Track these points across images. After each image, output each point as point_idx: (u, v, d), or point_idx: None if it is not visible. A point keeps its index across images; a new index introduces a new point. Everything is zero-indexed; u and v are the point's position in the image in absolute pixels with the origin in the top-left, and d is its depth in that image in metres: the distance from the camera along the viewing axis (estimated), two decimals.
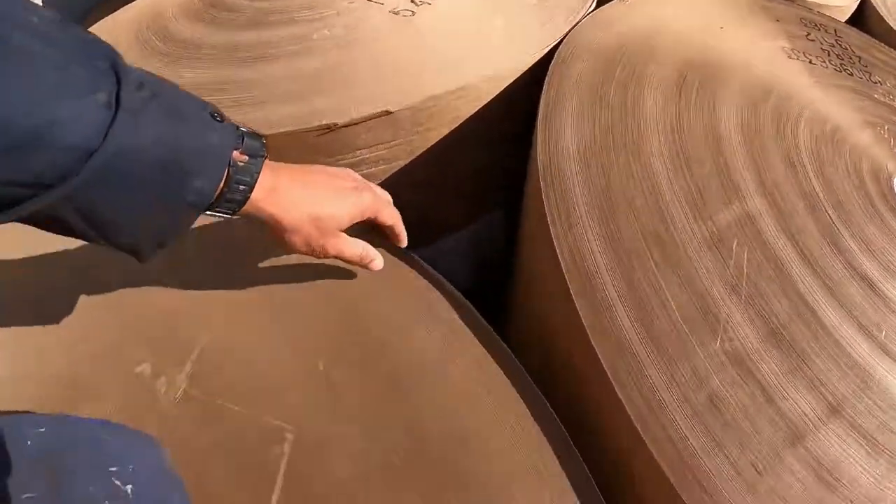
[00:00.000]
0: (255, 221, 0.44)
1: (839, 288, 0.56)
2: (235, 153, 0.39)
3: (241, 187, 0.40)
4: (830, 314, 0.56)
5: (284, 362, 0.49)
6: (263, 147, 0.42)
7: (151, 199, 0.35)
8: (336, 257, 0.48)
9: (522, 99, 0.65)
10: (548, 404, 0.48)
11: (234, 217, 0.42)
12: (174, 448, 0.43)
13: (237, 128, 0.41)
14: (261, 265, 0.55)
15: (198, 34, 0.70)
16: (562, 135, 0.60)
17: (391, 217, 0.52)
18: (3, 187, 0.31)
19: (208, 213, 0.40)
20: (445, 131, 0.63)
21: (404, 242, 0.55)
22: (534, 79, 0.66)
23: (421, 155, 0.63)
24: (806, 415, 0.50)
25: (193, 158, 0.36)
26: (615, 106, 0.64)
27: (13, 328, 0.52)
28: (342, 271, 0.54)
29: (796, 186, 0.66)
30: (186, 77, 0.64)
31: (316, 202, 0.45)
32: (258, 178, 0.41)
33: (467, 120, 0.64)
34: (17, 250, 0.56)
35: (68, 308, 0.52)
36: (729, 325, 0.54)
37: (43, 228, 0.35)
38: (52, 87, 0.31)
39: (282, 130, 0.58)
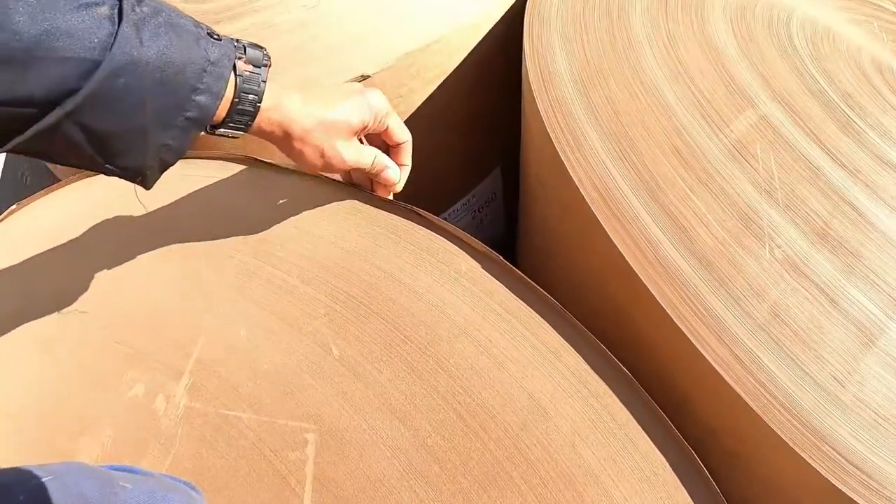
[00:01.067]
0: (265, 138, 0.43)
1: (873, 180, 0.52)
2: (240, 63, 0.39)
3: (251, 97, 0.39)
4: (871, 207, 0.52)
5: (292, 353, 0.42)
6: (266, 56, 0.41)
7: (155, 114, 0.35)
8: (353, 168, 0.46)
9: (502, 44, 0.61)
10: (610, 354, 0.42)
11: (244, 134, 0.41)
12: (185, 473, 0.37)
13: (236, 42, 0.40)
14: (247, 247, 0.49)
15: None
16: (555, 69, 0.56)
17: (404, 131, 0.49)
18: (8, 108, 0.30)
19: (221, 130, 0.39)
20: (431, 90, 0.58)
21: (406, 171, 0.50)
22: (511, 22, 0.62)
23: (409, 119, 0.59)
24: (873, 314, 0.46)
25: (195, 73, 0.36)
26: (602, 32, 0.60)
27: None
28: (341, 235, 0.47)
29: (803, 86, 0.63)
30: None
31: (324, 106, 0.43)
32: (265, 86, 0.40)
33: (450, 75, 0.59)
34: None
35: (48, 326, 0.46)
36: (773, 231, 0.50)
37: (49, 158, 0.36)
38: (54, 2, 0.31)
39: None
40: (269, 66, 0.41)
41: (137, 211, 0.51)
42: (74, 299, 0.47)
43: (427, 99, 0.59)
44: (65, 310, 0.46)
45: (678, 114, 0.55)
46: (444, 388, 0.39)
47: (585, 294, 0.52)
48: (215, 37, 0.39)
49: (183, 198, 0.52)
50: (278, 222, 0.49)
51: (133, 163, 0.36)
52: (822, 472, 0.40)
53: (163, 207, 0.51)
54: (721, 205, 0.50)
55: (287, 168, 0.52)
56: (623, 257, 0.46)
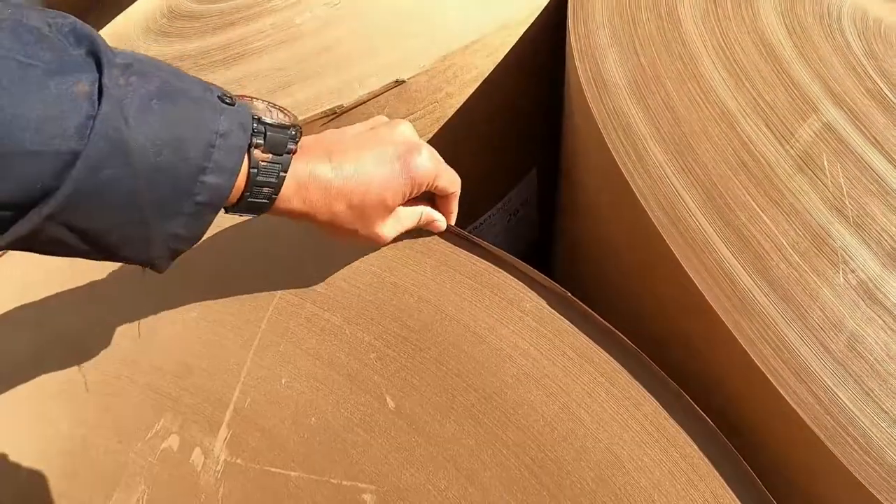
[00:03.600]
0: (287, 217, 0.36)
1: None
2: (256, 152, 0.32)
3: (265, 189, 0.33)
4: None
5: (342, 404, 0.38)
6: (292, 139, 0.34)
7: (155, 204, 0.29)
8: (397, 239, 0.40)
9: (543, 44, 0.56)
10: (688, 399, 0.39)
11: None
12: None
13: (257, 119, 0.33)
14: (284, 283, 0.44)
15: (167, 50, 0.61)
16: (608, 74, 0.51)
17: (452, 183, 0.41)
18: None
19: (229, 213, 0.33)
20: (469, 92, 0.54)
21: (452, 219, 0.44)
22: (551, 21, 0.57)
23: (444, 126, 0.54)
24: None
25: (200, 150, 0.30)
26: (653, 31, 0.56)
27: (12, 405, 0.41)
28: (389, 267, 0.43)
29: (862, 88, 0.59)
30: None
31: (356, 190, 0.36)
32: (285, 178, 0.33)
33: (488, 77, 0.54)
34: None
35: (72, 373, 0.42)
36: (847, 254, 0.46)
37: (40, 253, 0.29)
38: (14, 81, 0.24)
39: None
40: (296, 152, 0.34)
41: None
42: (98, 344, 0.43)
43: (465, 102, 0.54)
44: (88, 355, 0.42)
45: (741, 122, 0.51)
46: (513, 442, 0.36)
47: (648, 323, 0.48)
48: (227, 100, 0.32)
49: (215, 231, 0.47)
50: (318, 255, 0.44)
51: (137, 255, 0.31)
52: None
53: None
54: (793, 225, 0.46)
55: None
56: (696, 287, 0.42)
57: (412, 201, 0.41)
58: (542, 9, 0.57)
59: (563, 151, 0.58)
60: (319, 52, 0.53)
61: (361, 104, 0.49)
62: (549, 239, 0.66)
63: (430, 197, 0.42)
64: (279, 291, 0.42)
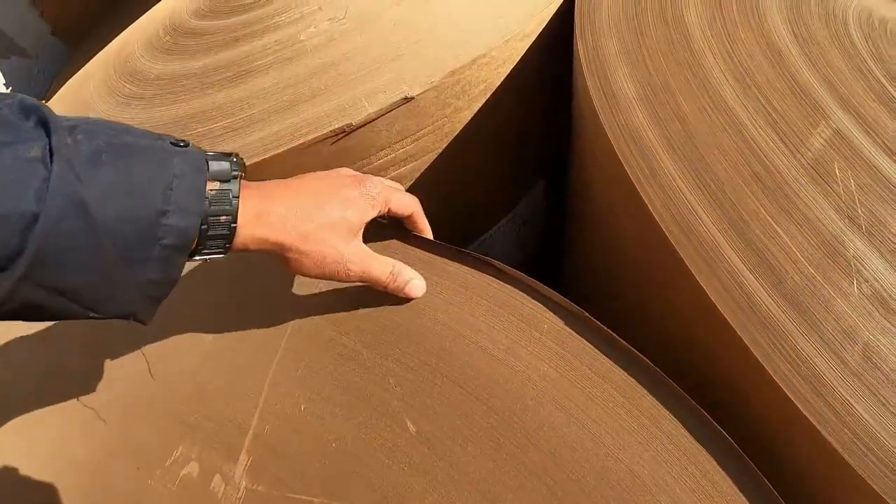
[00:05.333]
0: (254, 253, 0.37)
1: None
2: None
3: (223, 218, 0.34)
4: None
5: (362, 429, 0.38)
6: (235, 165, 0.35)
7: (121, 254, 0.30)
8: (362, 279, 0.40)
9: (551, 56, 0.56)
10: (707, 416, 0.39)
11: (228, 255, 0.35)
12: None
13: (202, 151, 0.35)
14: (300, 308, 0.44)
15: (171, 68, 0.61)
16: (618, 86, 0.51)
17: (407, 205, 0.43)
18: None
19: (197, 258, 0.34)
20: (477, 106, 0.53)
21: (429, 232, 0.45)
22: (558, 30, 0.57)
23: (454, 141, 0.54)
24: None
25: (158, 194, 0.31)
26: (661, 40, 0.55)
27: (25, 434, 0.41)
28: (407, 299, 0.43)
29: (871, 92, 0.59)
30: (169, 114, 0.54)
31: (314, 211, 0.37)
32: (238, 203, 0.34)
33: (496, 90, 0.54)
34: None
35: (88, 400, 0.42)
36: (860, 263, 0.46)
37: (28, 319, 0.30)
38: None
39: (290, 147, 0.48)
40: (243, 176, 0.35)
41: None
42: (114, 369, 0.42)
43: (473, 117, 0.54)
44: (103, 382, 0.42)
45: (752, 132, 0.50)
46: (534, 464, 0.36)
47: (663, 337, 0.48)
48: (180, 144, 0.33)
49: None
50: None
51: (117, 310, 0.31)
52: None
53: (205, 266, 0.46)
54: (806, 236, 0.46)
55: None
56: (710, 300, 0.42)
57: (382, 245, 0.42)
58: (548, 21, 0.57)
59: (573, 163, 0.58)
60: (325, 69, 0.53)
61: (370, 122, 0.49)
62: (558, 250, 0.66)
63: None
64: (296, 316, 0.42)
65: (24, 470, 0.42)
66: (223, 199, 0.33)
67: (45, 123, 0.28)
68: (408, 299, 0.41)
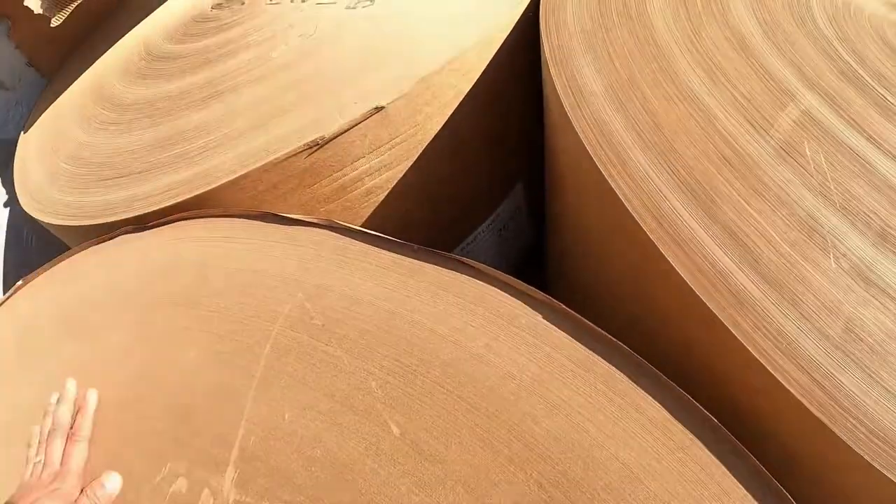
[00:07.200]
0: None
1: None
2: None
3: None
4: None
5: (346, 435, 0.38)
6: None
7: None
8: None
9: (520, 58, 0.57)
10: (691, 399, 0.39)
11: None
12: None
13: None
14: (280, 318, 0.44)
15: (147, 91, 0.62)
16: (584, 82, 0.52)
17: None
18: None
19: None
20: (449, 112, 0.54)
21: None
22: (524, 33, 0.58)
23: (428, 147, 0.54)
24: None
25: None
26: (626, 34, 0.56)
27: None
28: (383, 294, 0.43)
29: (837, 71, 0.60)
30: (146, 137, 0.55)
31: None
32: None
33: (466, 95, 0.55)
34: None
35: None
36: (836, 238, 0.47)
37: None
38: None
39: (265, 162, 0.49)
40: None
41: (156, 286, 0.46)
42: (99, 387, 0.43)
43: (445, 123, 0.55)
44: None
45: (720, 118, 0.51)
46: (519, 458, 0.36)
47: (645, 325, 0.48)
48: None
49: (207, 268, 0.47)
50: (311, 287, 0.44)
51: None
52: None
53: (186, 280, 0.47)
54: (780, 215, 0.46)
55: (307, 220, 0.47)
56: (688, 286, 0.42)
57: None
58: (515, 23, 0.58)
59: (547, 162, 0.58)
60: (298, 84, 0.54)
61: (343, 133, 0.49)
62: (542, 251, 0.67)
63: None
64: (276, 326, 0.43)
65: (10, 491, 0.42)
66: None
67: None
68: (387, 304, 0.41)
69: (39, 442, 0.43)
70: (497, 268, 0.44)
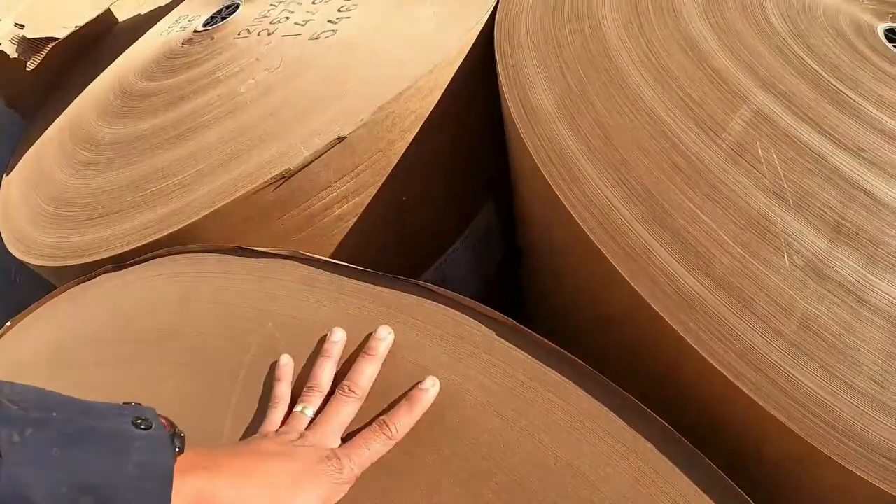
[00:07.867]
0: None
1: (878, 156, 0.50)
2: None
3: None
4: (881, 186, 0.50)
5: None
6: (173, 444, 0.31)
7: None
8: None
9: (477, 79, 0.59)
10: (645, 408, 0.40)
11: None
12: None
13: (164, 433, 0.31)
14: (247, 354, 0.47)
15: (123, 131, 0.64)
16: (537, 100, 0.53)
17: (385, 444, 0.39)
18: None
19: None
20: (410, 137, 0.56)
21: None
22: (482, 53, 0.59)
23: (393, 172, 0.56)
24: None
25: (121, 490, 0.27)
26: (578, 49, 0.58)
27: None
28: (341, 321, 0.44)
29: (789, 67, 0.61)
30: (123, 176, 0.57)
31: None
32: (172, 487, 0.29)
33: (427, 119, 0.57)
34: None
35: None
36: (790, 236, 0.48)
37: None
38: None
39: (235, 197, 0.51)
40: (174, 459, 0.31)
41: (135, 323, 0.48)
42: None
43: (408, 147, 0.56)
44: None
45: (671, 125, 0.52)
46: (479, 470, 0.37)
47: (606, 335, 0.50)
48: (142, 424, 0.30)
49: (186, 301, 0.49)
50: (278, 314, 0.46)
51: None
52: (877, 483, 0.38)
53: (165, 315, 0.49)
54: (732, 218, 0.47)
55: (274, 252, 0.49)
56: (640, 295, 0.44)
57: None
58: (471, 45, 0.60)
59: (511, 178, 0.60)
60: (265, 118, 0.56)
61: (308, 164, 0.51)
62: (516, 268, 0.68)
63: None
64: (247, 357, 0.45)
65: None
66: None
67: None
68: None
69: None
70: (472, 280, 0.45)
